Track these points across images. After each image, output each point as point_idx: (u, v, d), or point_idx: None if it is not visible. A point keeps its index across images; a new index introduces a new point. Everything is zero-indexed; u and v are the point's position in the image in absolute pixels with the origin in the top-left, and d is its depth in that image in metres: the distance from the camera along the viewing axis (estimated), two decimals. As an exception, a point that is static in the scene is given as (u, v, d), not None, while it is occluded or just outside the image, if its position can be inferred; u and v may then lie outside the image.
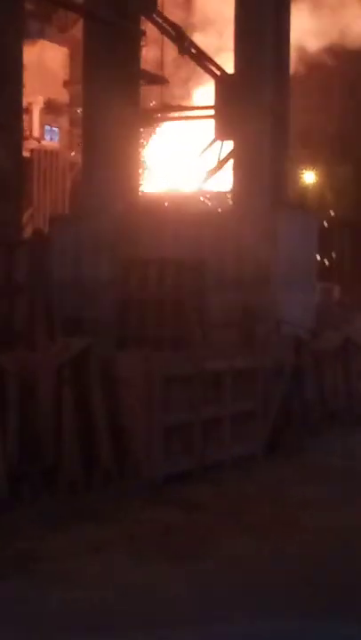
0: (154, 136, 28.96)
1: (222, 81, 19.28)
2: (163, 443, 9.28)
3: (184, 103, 27.18)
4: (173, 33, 19.87)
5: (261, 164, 18.43)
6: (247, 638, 5.50)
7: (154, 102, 27.96)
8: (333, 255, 29.57)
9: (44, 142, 36.83)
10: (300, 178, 36.13)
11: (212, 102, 19.78)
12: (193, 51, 19.84)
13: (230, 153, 19.30)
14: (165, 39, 20.65)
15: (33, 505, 8.13)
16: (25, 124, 31.44)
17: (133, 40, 19.64)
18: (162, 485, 9.08)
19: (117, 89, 18.58)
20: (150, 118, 21.77)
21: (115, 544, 7.28)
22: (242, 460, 10.43)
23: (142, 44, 22.47)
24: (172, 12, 22.88)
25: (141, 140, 23.65)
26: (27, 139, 32.30)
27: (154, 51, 28.12)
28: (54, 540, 7.32)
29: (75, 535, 7.44)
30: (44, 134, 37.09)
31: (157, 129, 25.81)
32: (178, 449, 9.59)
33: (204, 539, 7.45)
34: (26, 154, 30.56)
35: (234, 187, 19.19)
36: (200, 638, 5.47)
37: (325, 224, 24.11)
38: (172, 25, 20.15)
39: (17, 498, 8.18)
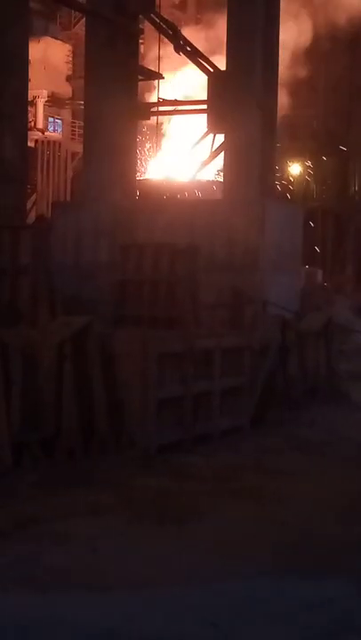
0: (150, 128, 28.81)
1: (215, 77, 19.22)
2: (156, 415, 9.28)
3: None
4: (170, 31, 19.79)
5: (251, 156, 18.40)
6: (230, 595, 5.50)
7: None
8: (317, 242, 29.58)
9: (47, 133, 36.74)
10: (288, 169, 36.07)
11: (205, 97, 19.73)
12: (188, 48, 19.76)
13: (222, 145, 19.24)
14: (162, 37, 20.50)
15: (33, 472, 8.13)
16: (30, 116, 31.39)
17: (132, 38, 19.55)
18: (155, 455, 9.09)
19: (117, 84, 18.51)
20: (147, 112, 21.67)
21: (110, 508, 7.28)
22: (229, 432, 10.44)
23: (141, 41, 22.37)
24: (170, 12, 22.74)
25: (140, 134, 23.60)
26: (31, 130, 32.23)
27: (151, 47, 27.95)
28: (53, 503, 7.32)
29: (72, 499, 7.43)
30: (48, 126, 37.01)
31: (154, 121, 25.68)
32: (170, 421, 9.59)
33: (194, 504, 7.46)
34: (30, 144, 30.49)
35: (225, 177, 19.15)
36: (187, 596, 5.48)
37: (310, 212, 24.07)
38: (169, 24, 20.07)
39: (18, 465, 8.18)
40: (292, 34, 29.90)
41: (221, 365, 10.41)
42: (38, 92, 35.01)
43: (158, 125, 25.39)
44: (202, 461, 9.12)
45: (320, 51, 33.79)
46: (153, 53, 23.84)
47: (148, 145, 30.62)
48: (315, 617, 5.22)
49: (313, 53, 33.45)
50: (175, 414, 9.69)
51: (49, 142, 36.41)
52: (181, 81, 26.36)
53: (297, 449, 9.95)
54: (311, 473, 8.88)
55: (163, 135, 29.25)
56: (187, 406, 9.81)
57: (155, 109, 21.63)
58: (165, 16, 21.24)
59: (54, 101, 37.31)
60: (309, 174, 36.33)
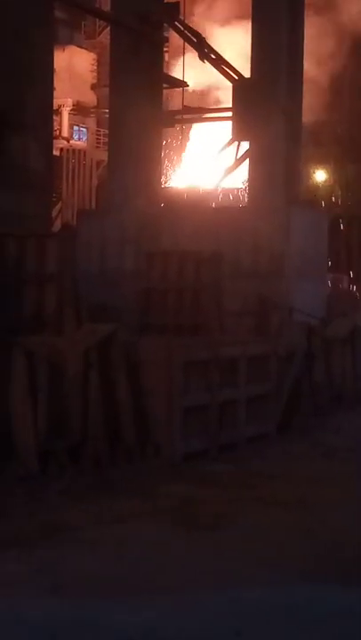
0: (178, 136, 28.88)
1: (239, 84, 19.23)
2: (181, 423, 9.28)
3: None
4: (194, 39, 19.82)
5: (275, 163, 18.38)
6: (257, 603, 5.49)
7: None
8: (343, 248, 29.48)
9: (72, 142, 36.90)
10: (312, 175, 36.01)
11: (229, 104, 19.75)
12: (212, 56, 19.79)
13: (246, 152, 19.24)
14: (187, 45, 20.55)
15: (60, 479, 8.15)
16: (55, 125, 31.54)
17: (157, 46, 19.60)
18: (180, 463, 9.09)
19: (141, 92, 18.56)
20: (172, 120, 21.73)
21: (136, 515, 7.29)
22: (255, 439, 10.43)
23: (165, 49, 22.43)
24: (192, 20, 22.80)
25: (164, 141, 23.66)
26: (56, 138, 32.39)
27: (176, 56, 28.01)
28: (79, 511, 7.34)
29: (99, 507, 7.45)
30: (73, 134, 37.17)
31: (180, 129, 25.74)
32: (195, 429, 9.58)
33: (220, 512, 7.45)
34: (56, 152, 30.64)
35: (250, 184, 19.15)
36: (214, 604, 5.47)
37: (335, 219, 24.00)
38: (193, 32, 20.10)
39: (45, 472, 8.21)
40: (317, 39, 29.87)
41: (247, 373, 10.39)
42: (63, 100, 35.17)
43: (183, 132, 25.47)
44: (228, 469, 9.12)
45: (344, 55, 33.72)
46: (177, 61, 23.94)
47: (172, 153, 30.67)
48: (343, 625, 5.20)
49: (337, 58, 33.40)
50: (201, 422, 9.68)
51: (74, 151, 36.56)
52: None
53: (323, 455, 9.93)
54: (338, 479, 8.85)
55: (187, 143, 29.30)
56: (212, 414, 9.80)
57: (179, 117, 21.69)
58: (190, 24, 21.27)
59: (79, 110, 37.46)
60: (334, 180, 36.23)
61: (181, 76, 22.20)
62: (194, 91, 25.94)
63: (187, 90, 22.80)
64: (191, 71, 22.42)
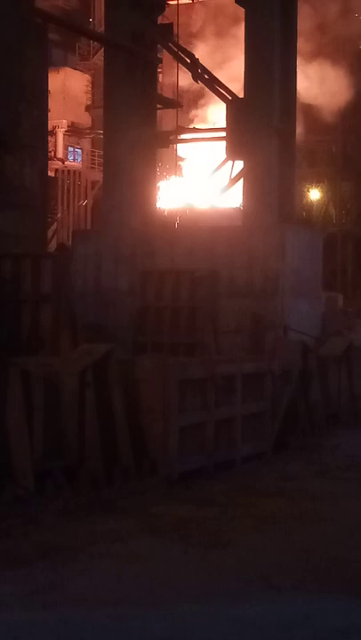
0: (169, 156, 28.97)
1: (233, 104, 19.31)
2: (178, 442, 9.27)
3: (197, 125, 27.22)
4: (188, 60, 19.93)
5: (270, 182, 18.44)
6: (255, 620, 5.47)
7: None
8: (338, 267, 29.52)
9: (67, 163, 36.98)
10: (306, 194, 36.10)
11: (223, 124, 19.83)
12: (206, 76, 19.89)
13: (241, 172, 19.30)
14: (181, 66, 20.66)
15: (56, 499, 8.13)
16: (50, 146, 31.59)
17: (151, 67, 19.71)
18: (177, 481, 9.07)
19: (135, 112, 18.66)
20: (166, 140, 21.80)
21: (132, 535, 7.27)
22: (251, 458, 10.42)
23: (159, 70, 22.56)
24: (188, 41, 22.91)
25: (160, 163, 23.75)
26: (51, 159, 32.44)
27: (169, 76, 28.15)
28: (76, 531, 7.32)
29: (95, 527, 7.44)
30: (68, 155, 37.25)
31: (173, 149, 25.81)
32: (192, 447, 9.57)
33: (217, 531, 7.43)
34: (50, 173, 30.68)
35: (244, 203, 19.20)
36: (208, 617, 5.46)
37: (330, 238, 24.07)
38: (187, 53, 20.21)
39: (41, 492, 8.18)
40: (309, 60, 30.04)
41: (243, 391, 10.40)
42: (58, 121, 35.28)
43: (176, 153, 25.52)
44: (224, 488, 9.11)
45: (337, 75, 33.89)
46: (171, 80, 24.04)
47: (166, 173, 30.77)
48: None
49: (329, 78, 33.56)
50: (197, 440, 9.67)
51: (69, 171, 36.64)
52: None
53: (320, 474, 9.91)
54: (334, 498, 8.84)
55: (181, 163, 29.37)
56: (208, 432, 9.79)
57: (173, 137, 21.76)
58: (183, 45, 21.38)
59: (74, 131, 37.57)
60: (329, 199, 36.32)
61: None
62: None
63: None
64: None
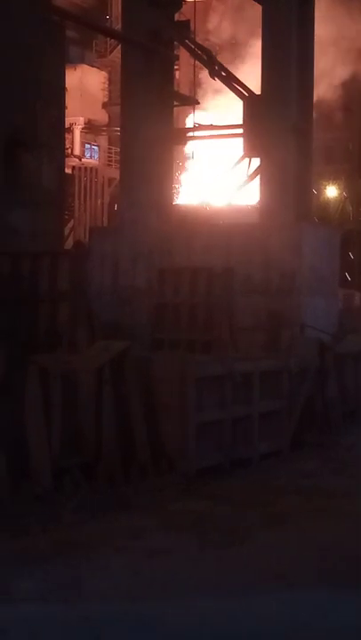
0: (187, 153, 28.98)
1: (250, 101, 19.28)
2: (195, 439, 9.29)
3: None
4: (205, 57, 19.91)
5: (287, 179, 18.39)
6: (273, 616, 5.49)
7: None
8: (355, 265, 29.44)
9: (84, 160, 37.02)
10: (324, 192, 36.03)
11: (240, 121, 19.80)
12: (223, 73, 19.87)
13: (258, 169, 19.28)
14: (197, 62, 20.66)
15: (74, 496, 8.16)
16: (67, 143, 31.65)
17: (167, 64, 19.70)
18: (194, 479, 9.09)
19: (152, 109, 18.66)
20: (183, 137, 21.79)
21: (151, 532, 7.30)
22: (269, 455, 10.43)
23: (175, 67, 22.54)
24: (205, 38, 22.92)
25: (179, 162, 23.76)
26: (68, 156, 32.49)
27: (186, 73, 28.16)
28: (94, 528, 7.36)
29: (113, 524, 7.47)
30: (85, 152, 37.29)
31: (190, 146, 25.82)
32: (209, 445, 9.59)
33: (235, 528, 7.46)
34: (68, 170, 30.74)
35: (261, 200, 19.18)
36: (225, 613, 5.48)
37: (347, 235, 24.03)
38: (204, 50, 20.20)
39: (59, 489, 8.22)
40: (327, 56, 29.96)
41: (260, 389, 10.41)
42: (75, 119, 35.32)
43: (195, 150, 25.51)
44: (242, 485, 9.13)
45: (355, 72, 33.81)
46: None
47: (183, 170, 30.77)
48: (357, 636, 5.20)
49: (348, 75, 33.50)
50: (214, 438, 9.70)
51: (86, 169, 36.66)
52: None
53: (336, 472, 9.92)
54: (351, 495, 8.84)
55: (189, 161, 29.38)
56: (226, 430, 9.81)
57: (191, 134, 21.75)
58: (200, 42, 21.38)
59: (91, 128, 37.61)
60: (346, 196, 36.24)
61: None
62: None
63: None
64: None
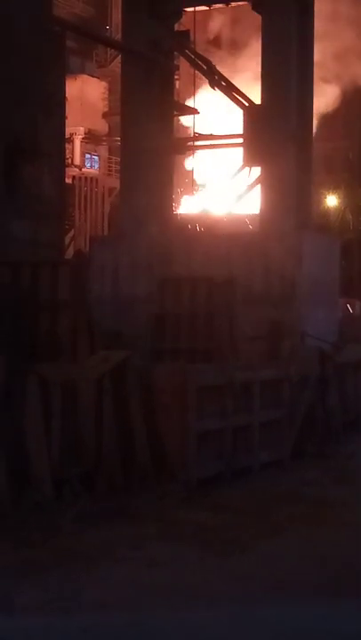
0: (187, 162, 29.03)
1: (250, 111, 19.32)
2: (196, 448, 9.28)
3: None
4: (205, 67, 19.95)
5: (287, 189, 18.43)
6: (272, 625, 5.47)
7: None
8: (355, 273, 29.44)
9: (84, 169, 37.08)
10: (324, 201, 36.06)
11: (240, 131, 19.83)
12: (223, 83, 19.91)
13: (258, 178, 19.31)
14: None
15: (74, 506, 8.14)
16: (67, 153, 31.70)
17: (167, 74, 19.74)
18: (195, 488, 9.07)
19: (152, 119, 18.70)
20: (183, 146, 21.82)
21: (150, 541, 7.28)
22: (269, 464, 10.41)
23: (175, 77, 22.59)
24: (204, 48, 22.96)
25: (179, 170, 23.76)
26: (69, 166, 32.54)
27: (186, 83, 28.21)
28: (94, 537, 7.34)
29: (113, 533, 7.45)
30: (85, 162, 37.35)
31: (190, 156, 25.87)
32: (210, 454, 9.58)
33: (235, 537, 7.43)
34: (68, 180, 30.77)
35: (261, 209, 19.20)
36: (225, 622, 5.47)
37: (347, 244, 24.04)
38: (204, 59, 20.24)
39: (59, 499, 8.21)
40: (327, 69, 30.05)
41: (260, 398, 10.39)
42: (75, 129, 35.37)
43: (195, 159, 25.55)
44: (242, 494, 9.10)
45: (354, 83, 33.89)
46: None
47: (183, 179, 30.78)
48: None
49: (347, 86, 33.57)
50: (215, 447, 9.68)
51: (86, 178, 36.71)
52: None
53: (338, 481, 9.89)
54: (352, 505, 8.82)
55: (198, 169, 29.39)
56: (226, 439, 9.79)
57: (190, 144, 21.79)
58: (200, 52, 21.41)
59: (91, 138, 37.67)
60: (345, 205, 36.27)
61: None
62: None
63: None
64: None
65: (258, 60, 19.12)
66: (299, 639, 5.31)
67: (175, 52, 20.55)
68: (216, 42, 33.21)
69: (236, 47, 30.98)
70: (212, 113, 23.93)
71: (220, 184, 22.41)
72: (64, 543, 7.14)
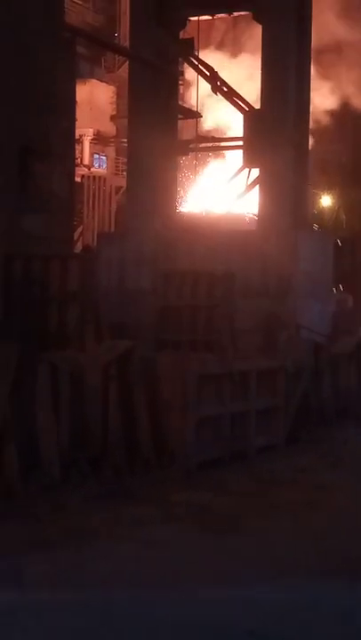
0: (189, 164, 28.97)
1: (250, 115, 19.27)
2: (196, 433, 9.28)
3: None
4: (208, 73, 19.90)
5: (284, 189, 18.39)
6: (269, 601, 5.47)
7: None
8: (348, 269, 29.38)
9: (93, 169, 37.00)
10: (318, 201, 36.03)
11: (240, 134, 19.80)
12: (224, 89, 19.85)
13: (256, 179, 19.27)
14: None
15: (81, 487, 8.14)
16: (77, 153, 31.62)
17: (172, 79, 19.68)
18: (195, 471, 9.07)
19: (158, 122, 18.64)
20: (186, 148, 21.76)
21: (153, 520, 7.29)
22: (265, 449, 10.40)
23: (180, 82, 22.52)
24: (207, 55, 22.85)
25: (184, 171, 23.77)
26: (78, 166, 32.46)
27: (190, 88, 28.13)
28: (99, 516, 7.34)
29: (118, 513, 7.45)
30: (94, 162, 37.26)
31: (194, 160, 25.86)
32: (209, 439, 9.57)
33: (233, 517, 7.44)
34: (77, 179, 30.72)
35: (259, 209, 19.16)
36: (223, 598, 5.46)
37: (339, 241, 24.00)
38: (207, 66, 20.18)
39: (67, 481, 8.20)
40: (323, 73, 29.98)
41: (257, 386, 10.39)
42: (85, 130, 35.27)
43: (198, 160, 25.53)
44: (239, 477, 9.10)
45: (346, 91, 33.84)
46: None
47: (186, 179, 30.75)
48: (352, 622, 5.17)
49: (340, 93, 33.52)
50: (214, 432, 9.68)
51: (94, 177, 36.65)
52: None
53: (330, 465, 9.90)
54: (344, 487, 8.83)
55: (201, 170, 29.36)
56: (224, 425, 9.79)
57: (193, 146, 21.73)
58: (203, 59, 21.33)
59: (99, 139, 37.58)
60: (339, 205, 36.22)
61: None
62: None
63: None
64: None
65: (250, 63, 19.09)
66: (293, 616, 5.31)
67: (180, 59, 20.47)
68: (219, 49, 33.07)
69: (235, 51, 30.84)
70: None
71: (221, 184, 22.34)
72: (71, 522, 7.15)
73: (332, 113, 32.90)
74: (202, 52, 20.77)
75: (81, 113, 24.56)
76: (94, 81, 37.58)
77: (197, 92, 21.65)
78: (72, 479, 8.24)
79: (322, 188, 35.58)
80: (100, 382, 8.79)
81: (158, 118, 18.66)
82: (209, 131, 25.44)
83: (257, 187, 19.29)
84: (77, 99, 15.46)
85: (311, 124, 19.97)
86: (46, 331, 10.42)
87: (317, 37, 20.53)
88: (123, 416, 8.83)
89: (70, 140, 14.46)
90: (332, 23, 30.49)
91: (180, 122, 21.12)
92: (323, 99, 30.76)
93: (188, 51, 19.86)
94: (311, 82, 19.32)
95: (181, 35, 20.44)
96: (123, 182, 29.50)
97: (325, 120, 32.19)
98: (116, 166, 38.08)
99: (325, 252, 18.18)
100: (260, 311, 15.82)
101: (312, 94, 19.65)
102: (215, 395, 9.74)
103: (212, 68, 20.10)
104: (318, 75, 27.03)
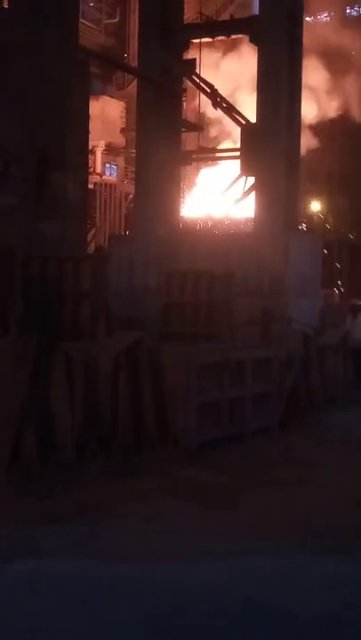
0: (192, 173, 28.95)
1: (246, 128, 19.25)
2: (196, 417, 9.28)
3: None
4: (208, 90, 19.88)
5: (277, 196, 18.38)
6: (265, 570, 5.48)
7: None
8: (334, 269, 29.39)
9: (104, 177, 36.98)
10: (309, 206, 36.00)
11: (238, 146, 19.79)
12: (224, 105, 19.83)
13: (252, 186, 19.25)
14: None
15: (93, 465, 8.16)
16: (90, 163, 31.58)
17: (176, 96, 19.67)
18: (195, 451, 9.08)
19: (163, 135, 18.64)
20: (189, 158, 21.75)
21: (158, 495, 7.30)
22: (260, 432, 10.41)
23: (183, 98, 22.49)
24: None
25: (186, 178, 23.75)
26: (91, 174, 32.43)
27: (192, 103, 28.08)
28: (109, 491, 7.36)
29: (126, 488, 7.47)
30: (105, 171, 37.24)
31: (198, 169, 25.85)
32: (209, 422, 9.58)
33: (230, 493, 7.45)
34: (90, 186, 30.67)
35: (255, 213, 19.15)
36: (222, 569, 5.47)
37: (329, 244, 23.99)
38: (208, 84, 20.16)
39: (80, 459, 8.22)
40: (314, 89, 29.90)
41: (252, 374, 10.39)
42: (97, 142, 35.24)
43: (199, 169, 25.48)
44: (236, 457, 9.11)
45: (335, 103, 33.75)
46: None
47: (188, 187, 30.70)
48: (340, 591, 5.18)
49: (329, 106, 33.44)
50: (213, 416, 9.68)
51: (106, 185, 36.64)
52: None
53: (320, 446, 9.90)
54: (333, 466, 8.83)
55: (202, 179, 29.32)
56: (223, 409, 9.80)
57: (195, 156, 21.71)
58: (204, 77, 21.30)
59: (110, 150, 37.54)
60: (327, 211, 36.21)
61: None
62: None
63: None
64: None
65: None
66: (286, 584, 5.32)
67: (183, 78, 20.45)
68: (218, 68, 32.98)
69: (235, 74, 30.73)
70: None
71: (220, 191, 22.31)
72: (84, 497, 7.17)
73: (321, 127, 32.85)
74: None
75: (94, 126, 24.53)
76: (106, 97, 37.54)
77: (199, 107, 21.62)
78: (85, 458, 8.25)
79: (312, 195, 35.57)
80: (111, 370, 8.80)
81: (163, 131, 18.65)
82: (215, 137, 25.37)
83: (253, 193, 19.28)
84: (90, 113, 15.43)
85: (302, 135, 19.94)
86: (61, 325, 10.42)
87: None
88: (131, 401, 8.84)
89: (84, 151, 14.45)
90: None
91: (183, 134, 21.09)
92: (311, 111, 30.68)
93: (190, 70, 19.83)
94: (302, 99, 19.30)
95: (185, 55, 20.42)
96: (131, 189, 29.47)
97: (315, 133, 32.15)
98: (126, 174, 38.04)
99: (314, 254, 18.16)
100: (256, 307, 15.79)
101: (304, 110, 19.63)
102: (215, 382, 9.74)
103: (213, 86, 20.09)
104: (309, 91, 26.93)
